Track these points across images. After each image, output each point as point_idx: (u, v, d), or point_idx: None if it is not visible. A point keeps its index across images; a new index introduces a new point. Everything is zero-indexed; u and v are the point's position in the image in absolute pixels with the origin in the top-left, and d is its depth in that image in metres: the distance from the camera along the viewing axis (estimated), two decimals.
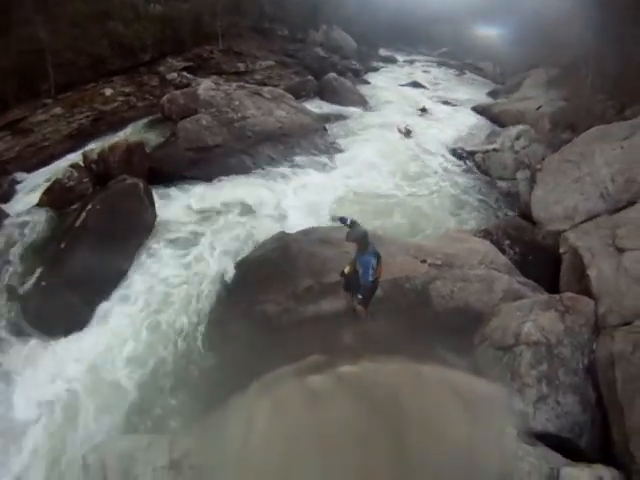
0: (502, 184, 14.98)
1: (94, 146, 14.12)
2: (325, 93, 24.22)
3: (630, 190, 9.88)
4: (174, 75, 21.29)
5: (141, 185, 10.87)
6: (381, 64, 38.16)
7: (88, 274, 8.97)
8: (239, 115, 15.47)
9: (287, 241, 9.04)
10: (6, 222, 10.55)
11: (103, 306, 8.87)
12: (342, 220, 7.01)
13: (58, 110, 16.24)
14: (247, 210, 12.01)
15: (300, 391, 4.76)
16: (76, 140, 15.78)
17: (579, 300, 6.78)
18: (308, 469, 4.32)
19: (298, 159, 15.30)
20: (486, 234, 10.15)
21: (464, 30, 45.77)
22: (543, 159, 13.18)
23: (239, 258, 9.61)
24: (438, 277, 7.94)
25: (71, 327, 8.35)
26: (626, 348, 5.80)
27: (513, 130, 16.82)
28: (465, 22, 46.01)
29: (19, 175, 13.52)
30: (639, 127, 11.27)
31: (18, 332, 8.20)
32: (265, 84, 21.31)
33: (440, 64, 43.39)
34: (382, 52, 42.20)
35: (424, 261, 8.26)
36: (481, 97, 30.16)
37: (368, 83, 29.68)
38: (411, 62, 43.18)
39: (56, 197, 11.24)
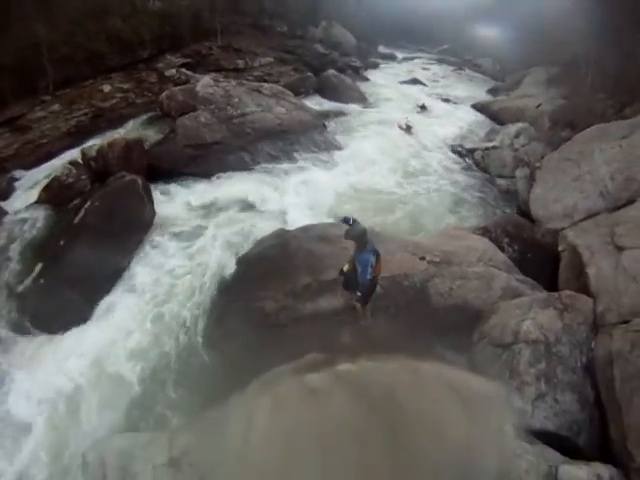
0: (501, 182, 14.99)
1: (93, 143, 14.09)
2: (324, 90, 24.20)
3: (629, 188, 9.89)
4: (173, 71, 21.21)
5: (140, 182, 10.86)
6: (381, 61, 38.07)
7: (87, 271, 8.99)
8: (238, 112, 15.44)
9: (286, 238, 9.04)
10: (5, 219, 10.56)
11: (103, 301, 8.92)
12: (345, 220, 6.97)
13: (56, 107, 16.22)
14: (246, 207, 12.02)
15: (299, 389, 4.75)
16: (74, 137, 15.77)
17: (578, 298, 6.79)
18: (307, 467, 4.32)
19: (297, 156, 15.28)
20: (485, 232, 10.13)
21: (464, 27, 45.66)
22: (542, 157, 13.18)
23: (238, 255, 9.60)
24: (437, 274, 7.94)
25: (71, 324, 8.39)
26: (624, 346, 5.81)
27: (512, 128, 16.79)
28: (465, 19, 45.91)
29: (18, 172, 13.53)
30: (638, 126, 11.27)
31: (18, 329, 8.24)
32: (264, 81, 21.25)
33: (440, 61, 43.18)
34: (382, 49, 42.15)
35: (423, 258, 8.25)
36: (481, 94, 30.11)
37: (368, 80, 29.59)
38: (411, 59, 43.09)
39: (55, 194, 11.25)
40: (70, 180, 11.41)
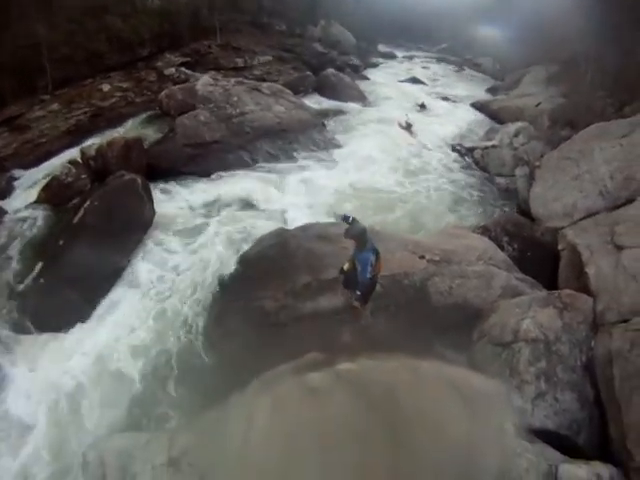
0: (501, 181, 15.00)
1: (92, 142, 14.07)
2: (324, 89, 24.21)
3: (629, 188, 9.89)
4: (172, 70, 21.22)
5: (139, 181, 10.85)
6: (380, 60, 38.12)
7: (87, 270, 8.98)
8: (237, 111, 15.45)
9: (285, 237, 9.02)
10: (4, 219, 10.54)
11: (103, 300, 8.93)
12: (345, 218, 6.95)
13: (55, 106, 16.21)
14: (246, 206, 12.04)
15: (299, 389, 4.75)
16: (74, 136, 15.76)
17: (577, 297, 6.78)
18: (307, 466, 4.32)
19: (297, 155, 15.32)
20: (484, 230, 10.13)
21: (463, 26, 45.69)
22: (542, 156, 13.16)
23: (238, 254, 9.58)
24: (436, 273, 7.93)
25: (71, 323, 8.39)
26: (624, 346, 5.81)
27: (512, 127, 16.78)
28: (464, 18, 45.95)
29: (17, 172, 13.52)
30: (638, 125, 11.27)
31: (18, 329, 8.22)
32: (264, 79, 21.28)
33: (439, 60, 43.24)
34: (381, 48, 42.15)
35: (422, 257, 8.24)
36: (480, 93, 30.13)
37: (367, 79, 29.60)
38: (410, 58, 43.12)
39: (54, 194, 11.24)
40: (69, 179, 11.41)
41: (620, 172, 10.24)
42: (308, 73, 25.21)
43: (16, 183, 13.03)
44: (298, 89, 22.28)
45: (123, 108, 18.27)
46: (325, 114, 19.90)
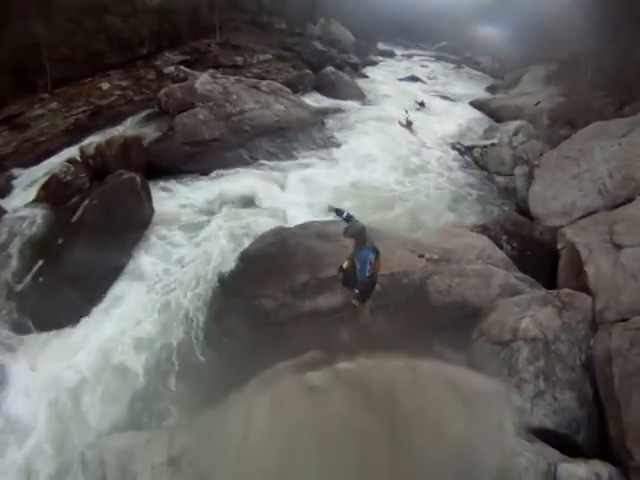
0: (500, 179, 15.01)
1: (91, 141, 14.02)
2: (323, 87, 24.17)
3: (628, 187, 9.90)
4: (171, 69, 21.11)
5: (138, 179, 10.84)
6: (379, 58, 38.05)
7: (86, 269, 8.98)
8: (237, 109, 15.44)
9: (284, 235, 9.00)
10: (4, 218, 10.50)
11: (101, 299, 8.94)
12: (338, 212, 6.92)
13: (55, 105, 16.16)
14: (245, 203, 12.04)
15: (298, 387, 4.75)
16: (73, 135, 15.70)
17: (576, 296, 6.80)
18: (307, 465, 4.33)
19: (296, 153, 15.32)
20: (484, 229, 10.13)
21: (463, 25, 45.70)
22: (541, 155, 13.19)
23: (237, 252, 9.58)
24: (436, 272, 7.93)
25: (71, 321, 8.40)
26: (623, 344, 5.82)
27: (511, 125, 16.81)
28: (464, 17, 45.96)
29: (16, 170, 13.46)
30: (637, 124, 11.29)
31: (18, 328, 8.22)
32: (263, 78, 21.20)
33: (439, 58, 43.26)
34: (380, 46, 42.10)
35: (422, 256, 8.24)
36: (479, 92, 30.13)
37: (366, 77, 29.58)
38: (409, 56, 43.12)
39: (53, 192, 11.19)
40: (68, 178, 11.36)
41: (619, 171, 10.26)
42: (307, 71, 25.13)
43: (15, 182, 12.98)
44: (297, 87, 22.25)
45: (122, 106, 18.19)
46: (324, 112, 19.84)
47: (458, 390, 4.84)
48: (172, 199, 12.13)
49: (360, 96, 23.94)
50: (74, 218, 9.89)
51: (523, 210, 11.73)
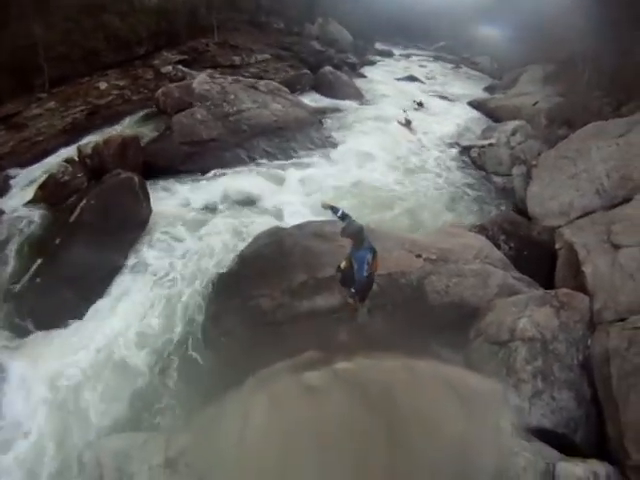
0: (498, 179, 15.00)
1: (88, 140, 14.01)
2: (321, 86, 24.18)
3: (625, 187, 9.92)
4: (169, 68, 21.11)
5: (136, 179, 10.81)
6: (377, 58, 38.08)
7: (84, 269, 8.97)
8: (234, 109, 15.42)
9: (281, 235, 8.98)
10: (1, 218, 10.47)
11: (99, 298, 8.94)
12: (333, 210, 6.87)
13: (52, 104, 16.13)
14: (242, 203, 12.03)
15: (296, 387, 4.74)
16: (70, 134, 15.66)
17: (574, 296, 6.81)
18: (304, 465, 4.32)
19: (293, 152, 15.33)
20: (481, 229, 10.15)
21: (462, 25, 45.70)
22: (539, 155, 13.22)
23: (234, 253, 9.56)
24: (433, 272, 7.92)
25: (68, 321, 8.39)
26: (621, 344, 5.83)
27: (509, 125, 16.81)
28: (463, 17, 45.98)
29: (13, 170, 13.40)
30: (635, 124, 11.32)
31: (16, 328, 8.22)
32: (261, 77, 21.16)
33: (437, 58, 43.33)
34: (378, 46, 42.10)
35: (419, 256, 8.23)
36: (477, 92, 30.17)
37: (364, 77, 29.60)
38: (408, 56, 43.14)
39: (51, 192, 11.17)
40: (66, 178, 11.33)
41: (617, 171, 10.28)
42: (305, 71, 25.15)
43: (13, 182, 12.93)
44: (295, 87, 22.25)
45: (120, 106, 18.17)
46: (322, 112, 19.86)
47: (456, 390, 4.84)
48: (170, 198, 12.14)
49: (358, 96, 23.95)
50: (72, 218, 9.87)
51: (521, 210, 11.75)
